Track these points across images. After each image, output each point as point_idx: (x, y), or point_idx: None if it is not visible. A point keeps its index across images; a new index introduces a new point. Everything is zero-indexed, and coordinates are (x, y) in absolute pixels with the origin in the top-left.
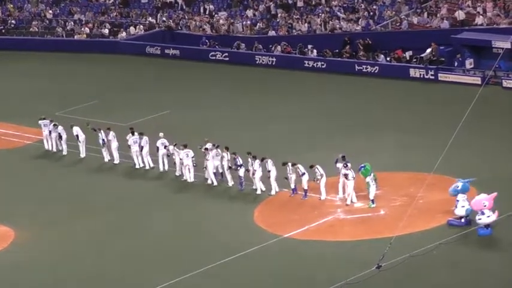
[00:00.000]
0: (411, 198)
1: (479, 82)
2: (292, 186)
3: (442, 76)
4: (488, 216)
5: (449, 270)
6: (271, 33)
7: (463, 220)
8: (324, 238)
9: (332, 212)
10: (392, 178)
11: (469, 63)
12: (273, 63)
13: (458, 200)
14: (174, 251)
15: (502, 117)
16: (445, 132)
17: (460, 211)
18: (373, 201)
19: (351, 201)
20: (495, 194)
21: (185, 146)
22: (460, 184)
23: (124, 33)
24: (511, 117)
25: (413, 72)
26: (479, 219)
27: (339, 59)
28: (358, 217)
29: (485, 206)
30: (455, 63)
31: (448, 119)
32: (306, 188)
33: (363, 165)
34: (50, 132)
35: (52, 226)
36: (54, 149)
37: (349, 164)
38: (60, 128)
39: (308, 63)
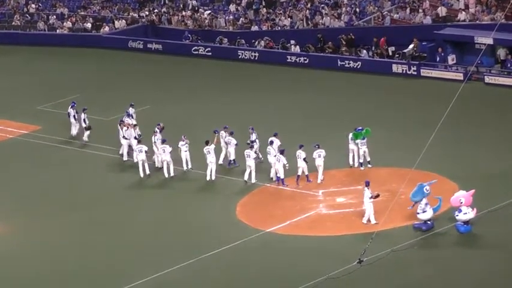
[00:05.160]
0: (393, 194)
1: (462, 78)
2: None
3: (424, 72)
4: (466, 213)
5: (431, 265)
6: (254, 28)
7: (428, 222)
8: (306, 233)
9: (314, 207)
10: (374, 173)
11: (451, 59)
12: (256, 58)
13: (427, 203)
14: (156, 247)
15: (484, 113)
16: (427, 128)
17: (425, 215)
18: (361, 164)
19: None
20: (473, 191)
21: (163, 142)
22: (429, 187)
23: (107, 28)
24: (493, 113)
25: (395, 68)
26: (457, 215)
27: (322, 54)
28: (340, 212)
29: (461, 202)
30: (438, 59)
31: (430, 115)
32: (299, 174)
33: (360, 128)
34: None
35: (35, 220)
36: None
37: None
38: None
39: (290, 58)
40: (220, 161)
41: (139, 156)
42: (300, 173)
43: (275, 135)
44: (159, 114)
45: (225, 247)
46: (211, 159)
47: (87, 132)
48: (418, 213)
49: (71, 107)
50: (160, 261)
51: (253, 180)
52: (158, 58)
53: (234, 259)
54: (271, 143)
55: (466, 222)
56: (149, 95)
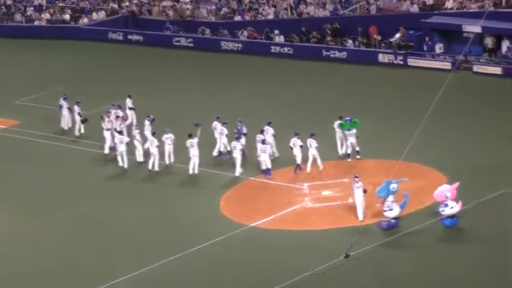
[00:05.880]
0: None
1: (449, 67)
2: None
3: (411, 61)
4: (452, 208)
5: (418, 259)
6: (237, 18)
7: (394, 220)
8: (291, 227)
9: (300, 201)
10: (360, 166)
11: (438, 48)
12: (239, 49)
13: (393, 201)
14: (140, 242)
15: (472, 103)
16: (414, 119)
17: (392, 213)
18: (349, 155)
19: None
20: (457, 183)
21: (153, 134)
22: (395, 185)
23: (85, 19)
24: (481, 103)
25: (382, 58)
26: (443, 210)
27: (306, 44)
28: (326, 206)
29: (447, 197)
30: (425, 48)
31: (418, 105)
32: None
33: (349, 118)
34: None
35: (19, 217)
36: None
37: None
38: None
39: (275, 49)
40: (215, 153)
41: (120, 148)
42: (299, 161)
43: (269, 123)
44: (141, 107)
45: (209, 242)
46: (194, 152)
47: (82, 126)
48: (385, 211)
49: (63, 99)
50: (144, 258)
51: (237, 173)
52: (139, 50)
53: (218, 255)
54: (263, 132)
55: (451, 216)
56: (130, 87)
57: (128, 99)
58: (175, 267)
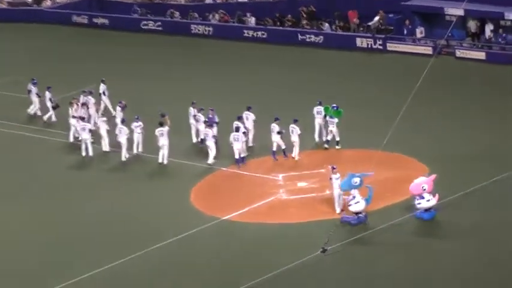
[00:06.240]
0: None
1: (431, 52)
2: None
3: (390, 46)
4: (428, 200)
5: (398, 253)
6: (208, 0)
7: (358, 216)
8: (266, 220)
9: (274, 193)
10: (338, 156)
11: (419, 31)
12: (210, 33)
13: (354, 196)
14: (103, 237)
15: (455, 90)
16: (395, 106)
17: (356, 207)
18: (327, 141)
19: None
20: (434, 176)
21: (122, 122)
22: (357, 179)
23: (48, 1)
24: (464, 89)
25: (360, 42)
26: (419, 203)
27: (281, 28)
28: (302, 198)
29: (424, 189)
30: (405, 32)
31: (398, 92)
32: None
33: (336, 106)
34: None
35: None
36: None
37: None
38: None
39: (247, 33)
40: (197, 139)
41: (83, 135)
42: (275, 148)
43: (249, 109)
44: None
45: (178, 237)
46: (163, 141)
47: (53, 112)
48: (350, 206)
49: (32, 84)
50: (110, 253)
51: (210, 161)
52: (105, 34)
53: (188, 249)
54: (240, 118)
55: (429, 209)
56: (96, 73)
57: (101, 85)
58: (141, 264)
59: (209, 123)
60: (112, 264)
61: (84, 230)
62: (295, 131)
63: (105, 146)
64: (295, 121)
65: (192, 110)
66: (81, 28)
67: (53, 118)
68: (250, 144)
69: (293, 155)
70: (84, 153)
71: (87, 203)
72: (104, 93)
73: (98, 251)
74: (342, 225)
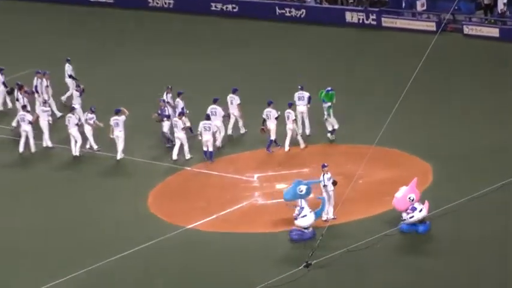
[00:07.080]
0: (348, 178)
1: (434, 28)
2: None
3: (386, 21)
4: (421, 210)
5: (394, 267)
6: None
7: (307, 230)
8: (237, 229)
9: (248, 196)
10: (325, 152)
11: (420, 4)
12: (171, 6)
13: (302, 208)
14: (44, 250)
15: (462, 74)
16: (391, 94)
17: (303, 221)
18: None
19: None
20: (415, 179)
21: (71, 110)
22: (304, 188)
23: None
24: (473, 72)
25: (350, 17)
26: (412, 217)
27: (256, 0)
28: (280, 202)
29: (412, 200)
30: (404, 5)
31: (394, 77)
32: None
33: (330, 88)
34: None
35: None
36: None
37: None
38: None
39: (216, 6)
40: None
41: (22, 127)
42: (273, 136)
43: (234, 91)
44: (55, 78)
45: (133, 250)
46: (118, 133)
47: (8, 97)
48: (296, 219)
49: None
50: (47, 269)
51: (188, 156)
52: (51, 8)
53: (144, 264)
54: (215, 101)
55: (421, 220)
56: (41, 54)
57: (67, 65)
58: (90, 280)
59: (160, 118)
60: (53, 283)
61: (16, 241)
62: (290, 117)
63: (46, 140)
64: (290, 105)
65: (167, 96)
66: (22, 2)
67: (9, 105)
68: (243, 130)
69: (286, 148)
70: (21, 150)
71: (22, 208)
72: (71, 76)
73: (33, 268)
74: (329, 234)
